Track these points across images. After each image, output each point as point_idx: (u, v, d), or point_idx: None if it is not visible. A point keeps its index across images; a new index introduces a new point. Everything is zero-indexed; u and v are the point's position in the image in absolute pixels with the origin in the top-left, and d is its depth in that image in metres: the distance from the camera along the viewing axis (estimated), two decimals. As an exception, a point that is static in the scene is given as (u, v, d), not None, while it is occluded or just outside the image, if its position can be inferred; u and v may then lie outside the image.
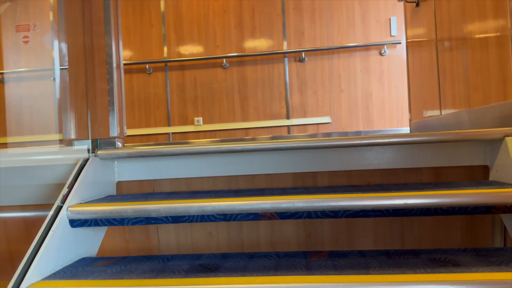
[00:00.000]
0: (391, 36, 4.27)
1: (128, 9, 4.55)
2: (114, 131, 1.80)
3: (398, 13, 4.26)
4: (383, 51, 4.27)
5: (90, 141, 1.75)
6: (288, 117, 4.43)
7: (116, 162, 1.84)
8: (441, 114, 2.34)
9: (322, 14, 4.36)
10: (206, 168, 1.82)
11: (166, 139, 4.56)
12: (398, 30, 4.26)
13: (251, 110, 4.48)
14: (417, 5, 2.62)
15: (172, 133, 4.56)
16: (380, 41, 4.28)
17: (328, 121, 4.36)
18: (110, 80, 1.86)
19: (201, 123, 4.52)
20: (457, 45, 2.06)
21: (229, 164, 1.80)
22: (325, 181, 1.76)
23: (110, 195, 1.77)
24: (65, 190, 1.52)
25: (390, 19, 4.27)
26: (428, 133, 1.55)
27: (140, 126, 4.58)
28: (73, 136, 1.77)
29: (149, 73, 4.56)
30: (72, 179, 1.57)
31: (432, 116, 2.49)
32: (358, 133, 4.33)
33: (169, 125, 4.56)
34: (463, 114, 2.01)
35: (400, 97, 4.28)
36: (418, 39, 2.72)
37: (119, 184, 1.85)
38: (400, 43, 4.19)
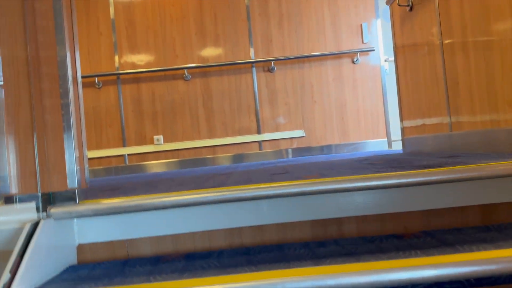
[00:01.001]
0: (363, 43, 4.07)
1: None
2: (74, 179, 1.32)
3: (369, 18, 4.07)
4: (355, 59, 4.06)
5: (39, 195, 1.26)
6: (259, 132, 4.07)
7: (76, 220, 1.36)
8: (451, 131, 2.10)
9: (290, 20, 4.06)
10: (200, 220, 1.39)
11: (121, 161, 4.01)
12: (370, 36, 4.07)
13: (218, 125, 4.06)
14: (411, 9, 2.38)
15: (128, 154, 4.02)
16: (352, 49, 4.06)
17: (302, 135, 4.06)
18: (65, 104, 1.39)
19: (162, 142, 4.03)
20: (477, 49, 1.81)
21: (230, 213, 1.39)
22: (353, 228, 1.40)
23: (71, 266, 1.29)
24: (6, 276, 1.04)
25: (361, 25, 4.06)
26: (484, 167, 1.26)
27: (89, 148, 3.99)
28: (14, 190, 1.28)
29: (99, 87, 4.00)
30: (17, 256, 1.09)
31: (437, 133, 2.25)
32: (334, 146, 4.07)
33: (124, 145, 4.01)
34: (491, 133, 1.76)
35: (374, 107, 4.08)
36: (412, 45, 2.48)
37: (81, 248, 1.38)
38: (373, 50, 4.00)
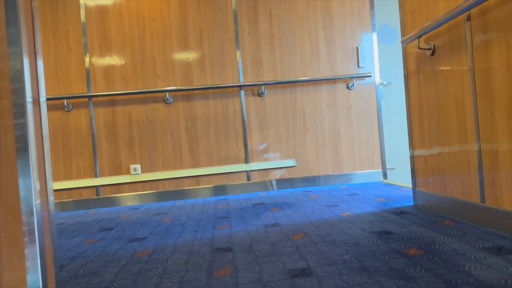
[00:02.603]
0: (359, 67, 3.82)
1: (36, 26, 3.50)
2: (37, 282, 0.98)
3: (366, 41, 3.83)
4: (350, 85, 3.80)
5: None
6: (247, 161, 3.74)
7: None
8: (483, 202, 1.84)
9: (282, 40, 3.76)
10: None
11: (93, 193, 3.59)
12: (366, 61, 3.82)
13: (203, 153, 3.71)
14: (433, 53, 2.12)
15: (101, 185, 3.60)
16: (348, 73, 3.81)
17: (293, 165, 3.77)
18: (21, 126, 1.16)
19: (139, 172, 3.63)
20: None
21: None
22: None
23: None
24: None
25: (357, 48, 3.81)
26: None
27: (58, 179, 3.54)
28: None
29: (68, 110, 3.56)
30: None
31: (469, 200, 1.99)
32: (327, 177, 3.80)
33: (96, 175, 3.59)
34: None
35: (370, 136, 3.84)
36: (432, 88, 2.22)
37: None
38: (370, 76, 3.75)
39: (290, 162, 3.76)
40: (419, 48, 2.12)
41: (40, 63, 1.48)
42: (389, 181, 3.83)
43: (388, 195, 2.99)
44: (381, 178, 3.86)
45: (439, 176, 2.16)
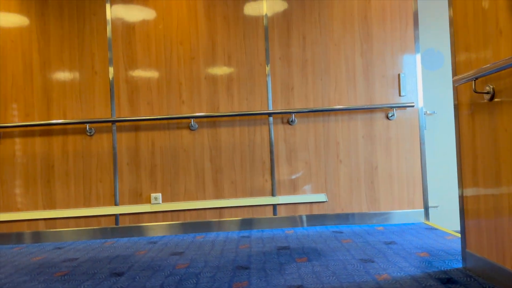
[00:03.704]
0: (400, 95, 3.49)
1: (62, 47, 3.43)
2: None
3: (408, 67, 3.49)
4: (390, 114, 3.47)
5: None
6: (273, 194, 3.48)
7: None
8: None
9: (315, 66, 3.50)
10: None
11: (111, 222, 3.44)
12: (408, 88, 3.49)
13: (227, 184, 3.48)
14: (492, 99, 1.79)
15: (121, 214, 3.45)
16: (387, 103, 3.48)
17: (324, 200, 3.47)
18: None
19: (160, 201, 3.45)
20: None
21: None
22: None
23: None
24: None
25: (398, 75, 3.49)
26: None
27: (76, 205, 3.43)
28: None
29: (91, 135, 3.45)
30: None
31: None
32: (361, 215, 3.46)
33: (116, 203, 3.44)
34: None
35: (411, 171, 3.48)
36: (489, 135, 1.89)
37: None
38: (413, 105, 3.41)
39: (321, 197, 3.47)
40: (475, 91, 1.80)
41: None
42: (431, 223, 3.45)
43: (431, 247, 2.63)
44: (422, 219, 3.48)
45: (495, 235, 1.81)
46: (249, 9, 3.49)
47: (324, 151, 3.49)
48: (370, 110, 3.48)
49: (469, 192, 2.06)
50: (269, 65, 3.50)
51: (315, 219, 3.47)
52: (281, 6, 3.50)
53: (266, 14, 3.49)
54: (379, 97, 3.50)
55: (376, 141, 3.49)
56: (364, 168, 3.49)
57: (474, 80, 1.80)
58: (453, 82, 1.98)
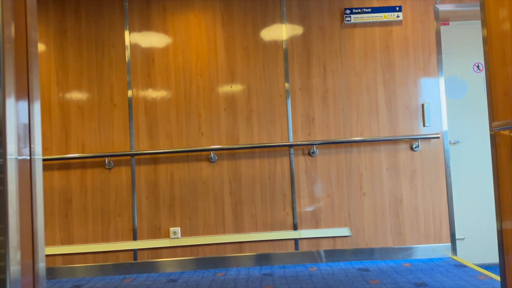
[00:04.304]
0: (424, 126, 3.40)
1: (81, 79, 3.42)
2: None
3: (432, 97, 3.41)
4: (415, 146, 3.38)
5: None
6: (295, 228, 3.39)
7: None
8: None
9: (337, 96, 3.43)
10: None
11: (130, 257, 3.37)
12: (432, 118, 3.40)
13: (247, 217, 3.40)
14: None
15: (139, 249, 3.38)
16: (411, 134, 3.40)
17: (347, 234, 3.37)
18: None
19: (179, 236, 3.38)
20: None
21: None
22: None
23: None
24: None
25: (422, 105, 3.41)
26: None
27: (94, 240, 3.36)
28: None
29: (109, 168, 3.40)
30: None
31: None
32: (386, 250, 3.35)
33: (135, 238, 3.38)
34: None
35: (437, 204, 3.37)
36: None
37: None
38: (438, 137, 3.32)
39: (344, 231, 3.36)
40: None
41: (37, 113, 1.23)
42: (459, 258, 3.32)
43: (465, 290, 2.51)
44: (449, 253, 3.35)
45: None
46: (269, 40, 3.46)
47: (347, 183, 3.40)
48: (394, 141, 3.39)
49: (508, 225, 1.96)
50: (289, 96, 3.44)
51: (338, 254, 3.36)
52: (301, 36, 3.46)
53: (286, 45, 3.45)
54: (403, 127, 3.41)
55: (400, 173, 3.39)
56: (389, 201, 3.39)
57: (519, 128, 1.71)
58: (492, 127, 1.89)
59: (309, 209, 3.39)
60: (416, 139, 3.34)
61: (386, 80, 3.43)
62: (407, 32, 3.46)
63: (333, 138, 3.41)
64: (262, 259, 3.37)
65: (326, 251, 3.37)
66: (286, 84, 3.44)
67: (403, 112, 3.42)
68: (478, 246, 3.62)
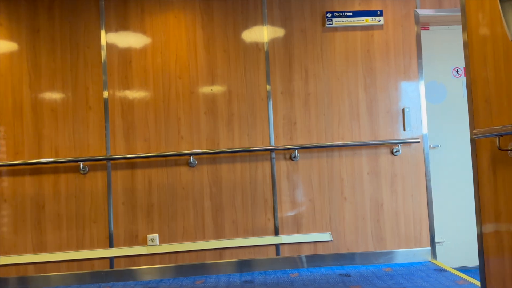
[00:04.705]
0: (405, 130, 3.41)
1: (55, 81, 3.28)
2: None
3: (412, 102, 3.42)
4: (395, 150, 3.39)
5: None
6: (276, 233, 3.34)
7: None
8: None
9: (318, 101, 3.41)
10: None
11: (106, 265, 3.26)
12: (413, 123, 3.41)
13: (228, 223, 3.34)
14: (515, 148, 1.70)
15: (115, 257, 3.27)
16: (392, 138, 3.40)
17: (329, 239, 3.34)
18: None
19: (157, 243, 3.29)
20: None
21: None
22: None
23: None
24: None
25: (403, 110, 3.41)
26: None
27: (69, 248, 3.24)
28: None
29: (84, 173, 3.28)
30: None
31: None
32: (367, 255, 3.34)
33: (111, 246, 3.27)
34: None
35: (417, 209, 3.39)
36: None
37: None
38: (418, 142, 3.33)
39: (325, 236, 3.34)
40: (499, 148, 1.71)
41: None
42: (439, 262, 3.34)
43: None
44: (429, 257, 3.37)
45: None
46: (250, 42, 3.40)
47: (329, 188, 3.38)
48: (375, 145, 3.39)
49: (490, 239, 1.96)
50: (271, 99, 3.39)
51: (319, 259, 3.33)
52: (282, 39, 3.41)
53: (267, 48, 3.40)
54: (383, 132, 3.41)
55: (381, 177, 3.39)
56: (370, 205, 3.38)
57: (499, 137, 1.71)
58: (473, 134, 1.89)
59: (290, 214, 3.35)
60: (396, 143, 3.35)
61: (367, 84, 3.43)
62: (388, 36, 3.47)
63: (314, 142, 3.38)
64: (243, 265, 3.31)
65: (307, 256, 3.33)
66: (268, 87, 3.40)
67: (384, 117, 3.42)
68: (458, 249, 3.65)
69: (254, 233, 3.35)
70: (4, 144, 3.24)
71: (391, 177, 3.40)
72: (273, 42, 3.42)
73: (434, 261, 3.36)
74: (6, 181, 3.23)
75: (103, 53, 3.33)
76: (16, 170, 3.24)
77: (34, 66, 3.30)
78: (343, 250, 3.36)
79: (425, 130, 3.42)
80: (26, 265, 3.21)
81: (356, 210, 3.38)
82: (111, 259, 3.26)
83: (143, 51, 3.35)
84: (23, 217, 3.23)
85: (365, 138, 3.40)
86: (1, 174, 3.24)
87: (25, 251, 3.22)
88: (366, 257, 3.35)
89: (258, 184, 3.37)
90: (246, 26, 3.41)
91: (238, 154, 3.36)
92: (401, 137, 3.40)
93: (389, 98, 3.43)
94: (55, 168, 3.26)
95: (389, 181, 3.40)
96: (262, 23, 3.42)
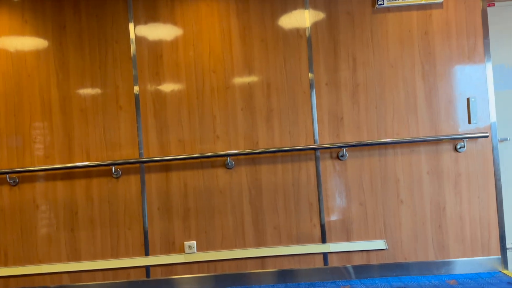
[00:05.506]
0: (470, 123, 2.97)
1: (83, 80, 3.09)
2: None
3: (478, 90, 2.98)
4: (459, 146, 2.97)
5: None
6: (323, 240, 3.03)
7: None
8: None
9: (369, 92, 3.03)
10: None
11: (142, 274, 3.07)
12: (479, 115, 2.97)
13: (269, 229, 3.06)
14: None
15: (152, 266, 3.07)
16: (455, 133, 2.97)
17: (383, 247, 2.99)
18: None
19: (195, 250, 3.06)
20: None
21: None
22: None
23: None
24: None
25: (468, 99, 2.97)
26: None
27: (103, 256, 3.07)
28: None
29: (117, 177, 3.09)
30: None
31: None
32: (427, 264, 2.97)
33: (146, 254, 3.07)
34: None
35: (485, 212, 2.96)
36: None
37: None
38: (486, 136, 2.89)
39: (379, 244, 2.99)
40: None
41: None
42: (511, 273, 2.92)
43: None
44: (499, 267, 2.95)
45: None
46: (290, 28, 3.06)
47: (382, 190, 3.01)
48: (435, 141, 2.98)
49: None
50: (314, 92, 3.05)
51: (373, 270, 2.99)
52: (326, 24, 3.04)
53: (309, 34, 3.05)
54: (445, 125, 2.99)
55: (443, 177, 2.99)
56: (430, 209, 2.99)
57: None
58: None
59: (339, 219, 3.03)
60: (460, 138, 2.92)
61: (425, 71, 3.01)
62: (449, 15, 3.02)
63: (365, 139, 3.02)
64: (287, 275, 3.03)
65: (359, 266, 3.00)
66: (311, 79, 3.05)
67: (445, 108, 3.00)
68: (530, 256, 3.20)
69: (298, 241, 3.05)
70: (34, 148, 3.10)
71: (454, 177, 2.98)
72: (316, 27, 3.05)
73: (505, 271, 2.94)
74: (38, 187, 3.10)
75: (132, 47, 3.10)
76: (47, 175, 3.09)
77: (61, 65, 3.12)
78: (400, 260, 3.00)
79: (493, 123, 2.97)
80: (61, 274, 3.08)
81: (414, 214, 3.00)
82: (147, 268, 3.07)
83: (174, 43, 3.09)
84: (56, 223, 3.09)
85: (423, 133, 3.00)
86: (33, 180, 3.10)
87: (59, 260, 3.09)
88: (426, 267, 2.98)
89: (302, 187, 3.05)
90: (285, 10, 3.07)
91: (279, 154, 3.05)
92: (466, 131, 2.97)
93: (451, 86, 3.00)
94: (87, 172, 3.09)
95: (452, 181, 2.99)
96: (303, 6, 3.06)
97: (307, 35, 3.05)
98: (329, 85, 3.05)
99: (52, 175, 3.10)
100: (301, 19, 3.06)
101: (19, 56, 3.12)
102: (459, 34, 3.01)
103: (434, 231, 2.99)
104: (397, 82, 3.01)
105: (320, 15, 3.05)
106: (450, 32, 3.01)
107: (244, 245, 3.06)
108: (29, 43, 3.12)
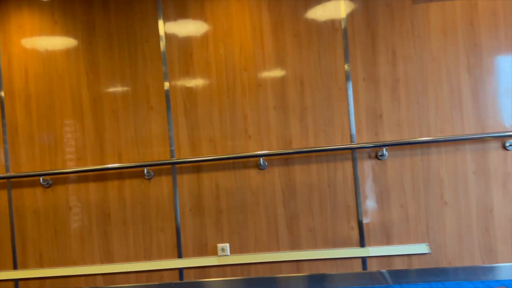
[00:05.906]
0: (521, 120, 2.77)
1: (114, 81, 3.05)
2: None
3: (530, 84, 2.76)
4: (508, 144, 2.77)
5: None
6: (362, 244, 2.90)
7: None
8: None
9: (410, 87, 2.86)
10: None
11: (175, 276, 3.03)
12: (532, 110, 2.76)
13: (304, 232, 2.95)
14: None
15: (185, 268, 3.02)
16: (504, 130, 2.78)
17: (426, 251, 2.84)
18: None
19: (228, 253, 2.99)
20: None
21: None
22: None
23: None
24: None
25: (518, 94, 2.77)
26: None
27: (136, 258, 3.04)
28: None
29: (149, 178, 3.05)
30: None
31: None
32: (474, 270, 2.80)
33: (179, 256, 3.02)
34: None
35: (538, 214, 2.77)
36: None
37: None
38: (540, 133, 2.69)
39: (422, 248, 2.84)
40: None
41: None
42: None
43: None
44: (554, 273, 2.75)
45: None
46: (324, 21, 2.92)
47: (424, 191, 2.85)
48: (482, 139, 2.79)
49: None
50: (350, 88, 2.91)
51: (415, 275, 2.85)
52: (363, 16, 2.89)
53: (345, 26, 2.90)
54: (492, 122, 2.80)
55: (490, 177, 2.80)
56: (476, 211, 2.81)
57: None
58: None
59: (378, 222, 2.89)
60: (510, 136, 2.72)
61: (470, 64, 2.81)
62: (496, 3, 2.80)
63: (406, 137, 2.86)
64: (324, 280, 2.92)
65: (400, 271, 2.86)
66: (346, 74, 2.91)
67: (492, 103, 2.80)
68: None
69: (335, 244, 2.93)
70: (66, 149, 3.08)
71: (503, 177, 2.79)
72: (352, 19, 2.90)
73: (561, 278, 2.74)
74: (70, 188, 3.09)
75: (162, 45, 3.03)
76: (80, 177, 3.08)
77: (91, 65, 3.08)
78: (444, 264, 2.84)
79: (548, 118, 2.76)
80: (95, 276, 3.07)
81: (460, 217, 2.82)
82: (180, 270, 3.02)
83: (204, 41, 3.00)
84: (89, 225, 3.08)
85: (469, 130, 2.81)
86: (65, 182, 3.09)
87: (92, 261, 3.08)
88: (472, 272, 2.81)
89: (338, 188, 2.92)
90: (319, 1, 2.92)
91: (313, 154, 2.93)
92: (517, 128, 2.77)
93: (498, 80, 2.79)
94: (119, 174, 3.06)
95: (501, 181, 2.79)
96: (339, -1, 2.91)
97: (342, 27, 2.90)
98: (366, 81, 2.90)
99: (85, 176, 3.08)
100: (336, 9, 2.91)
101: (49, 57, 3.10)
102: (507, 23, 2.80)
103: (481, 234, 2.81)
104: (440, 76, 2.83)
105: (356, 6, 2.90)
106: (497, 21, 2.80)
107: (278, 248, 2.97)
108: (59, 43, 3.10)
